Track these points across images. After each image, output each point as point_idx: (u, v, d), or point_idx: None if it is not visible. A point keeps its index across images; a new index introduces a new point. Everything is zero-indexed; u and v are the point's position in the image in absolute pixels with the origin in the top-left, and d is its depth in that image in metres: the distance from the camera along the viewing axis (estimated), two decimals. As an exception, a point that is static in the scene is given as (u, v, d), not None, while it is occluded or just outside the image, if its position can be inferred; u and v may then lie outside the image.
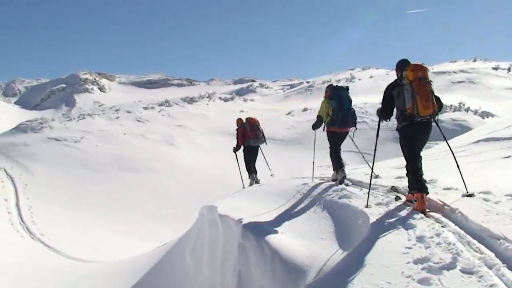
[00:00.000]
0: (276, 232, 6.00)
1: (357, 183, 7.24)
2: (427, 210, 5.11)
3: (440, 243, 3.95)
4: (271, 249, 5.52)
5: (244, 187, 9.70)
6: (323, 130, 8.56)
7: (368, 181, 6.21)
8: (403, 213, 5.00)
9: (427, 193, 5.29)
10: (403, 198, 5.73)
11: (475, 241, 3.95)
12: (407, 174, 5.74)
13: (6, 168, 30.28)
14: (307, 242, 5.42)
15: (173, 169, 31.02)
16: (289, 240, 5.63)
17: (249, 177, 12.07)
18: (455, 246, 3.83)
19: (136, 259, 13.78)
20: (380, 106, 6.03)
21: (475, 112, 36.22)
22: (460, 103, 37.49)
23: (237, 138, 12.01)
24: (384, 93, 5.91)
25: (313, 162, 9.44)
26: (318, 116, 8.61)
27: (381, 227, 4.66)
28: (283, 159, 31.26)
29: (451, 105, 37.23)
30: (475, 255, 3.66)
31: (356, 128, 8.40)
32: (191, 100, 54.30)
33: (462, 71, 55.35)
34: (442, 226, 4.41)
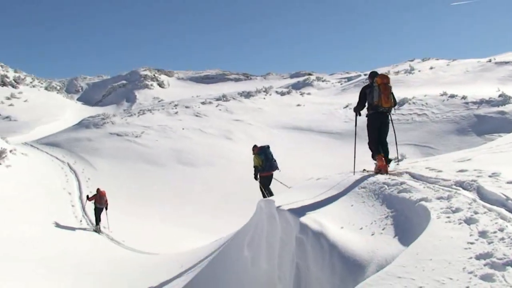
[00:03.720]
0: (334, 226, 5.98)
1: (417, 177, 7.12)
2: (389, 171, 8.09)
3: (504, 238, 3.84)
4: (329, 243, 5.50)
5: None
6: (257, 177, 13.04)
7: (429, 175, 6.70)
8: (465, 207, 4.88)
9: (381, 154, 8.52)
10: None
11: (541, 237, 3.82)
12: (368, 143, 8.94)
13: (70, 162, 31.26)
14: (366, 237, 5.38)
15: (230, 163, 31.25)
16: (347, 234, 5.60)
17: (95, 227, 18.59)
18: (520, 241, 3.72)
19: (195, 251, 13.99)
20: (356, 104, 9.21)
21: (541, 104, 34.76)
22: (525, 94, 36.06)
23: (90, 198, 19.12)
24: (360, 92, 9.09)
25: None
26: (254, 167, 13.02)
27: (442, 221, 4.58)
28: (340, 152, 31.00)
29: (515, 96, 35.92)
30: (541, 252, 3.54)
31: (279, 170, 12.90)
32: (248, 95, 54.50)
33: (527, 60, 53.30)
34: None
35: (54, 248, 14.07)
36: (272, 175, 12.81)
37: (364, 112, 9.26)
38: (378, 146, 8.77)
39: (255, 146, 13.34)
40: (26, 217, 16.46)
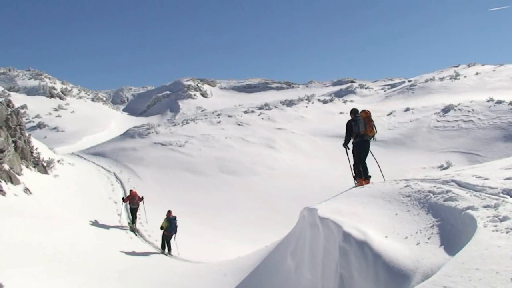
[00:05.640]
0: (378, 235, 5.92)
1: (463, 185, 6.98)
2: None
3: (554, 248, 3.74)
4: (373, 253, 5.45)
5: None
6: (164, 231, 18.00)
7: (476, 183, 6.50)
8: (513, 216, 4.76)
9: (367, 178, 10.89)
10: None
11: None
12: (354, 167, 11.21)
13: (116, 172, 31.83)
14: (411, 246, 5.31)
15: (273, 172, 31.30)
16: (392, 243, 5.54)
17: (131, 225, 20.36)
18: None
19: (238, 260, 14.02)
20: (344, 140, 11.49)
21: None
22: None
23: (125, 199, 20.97)
24: (346, 125, 11.21)
25: None
26: (161, 226, 18.03)
27: (488, 230, 4.48)
28: (384, 161, 30.61)
29: None
30: None
31: (175, 234, 18.00)
32: (290, 103, 54.53)
33: None
34: None
35: (99, 255, 14.32)
36: (171, 235, 17.92)
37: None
38: (361, 170, 11.08)
39: (169, 212, 18.43)
40: (72, 225, 16.82)
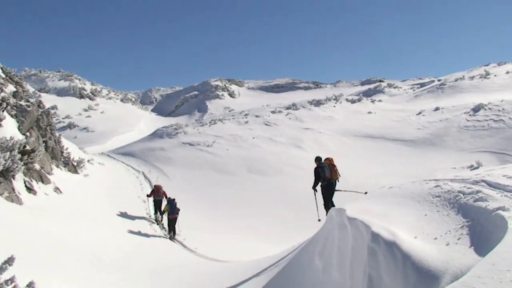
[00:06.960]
0: (407, 235, 5.88)
1: (494, 185, 6.88)
2: None
3: None
4: (402, 253, 5.42)
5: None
6: (167, 216, 19.61)
7: (507, 183, 6.36)
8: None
9: None
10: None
11: None
12: (324, 206, 13.03)
13: (145, 171, 32.17)
14: (441, 246, 5.26)
15: (300, 172, 31.19)
16: (421, 243, 5.49)
17: (155, 215, 21.58)
18: None
19: (267, 259, 14.04)
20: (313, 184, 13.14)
21: None
22: None
23: (149, 194, 22.48)
24: (314, 172, 13.01)
25: None
26: (163, 211, 20.17)
27: (520, 231, 4.42)
28: (413, 160, 30.32)
29: None
30: None
31: (177, 215, 19.22)
32: (318, 103, 54.33)
33: None
34: None
35: (129, 254, 14.46)
36: (175, 218, 19.21)
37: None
38: (330, 206, 12.39)
39: (169, 198, 20.32)
40: (102, 224, 17.01)
